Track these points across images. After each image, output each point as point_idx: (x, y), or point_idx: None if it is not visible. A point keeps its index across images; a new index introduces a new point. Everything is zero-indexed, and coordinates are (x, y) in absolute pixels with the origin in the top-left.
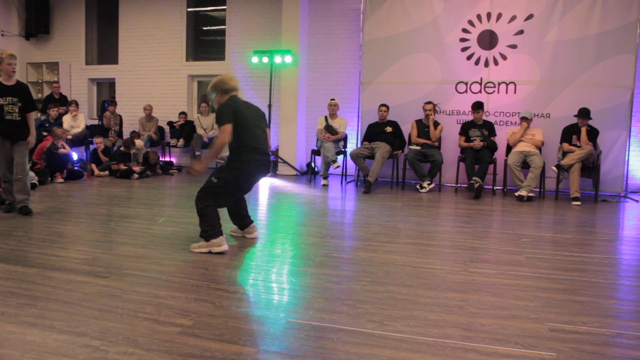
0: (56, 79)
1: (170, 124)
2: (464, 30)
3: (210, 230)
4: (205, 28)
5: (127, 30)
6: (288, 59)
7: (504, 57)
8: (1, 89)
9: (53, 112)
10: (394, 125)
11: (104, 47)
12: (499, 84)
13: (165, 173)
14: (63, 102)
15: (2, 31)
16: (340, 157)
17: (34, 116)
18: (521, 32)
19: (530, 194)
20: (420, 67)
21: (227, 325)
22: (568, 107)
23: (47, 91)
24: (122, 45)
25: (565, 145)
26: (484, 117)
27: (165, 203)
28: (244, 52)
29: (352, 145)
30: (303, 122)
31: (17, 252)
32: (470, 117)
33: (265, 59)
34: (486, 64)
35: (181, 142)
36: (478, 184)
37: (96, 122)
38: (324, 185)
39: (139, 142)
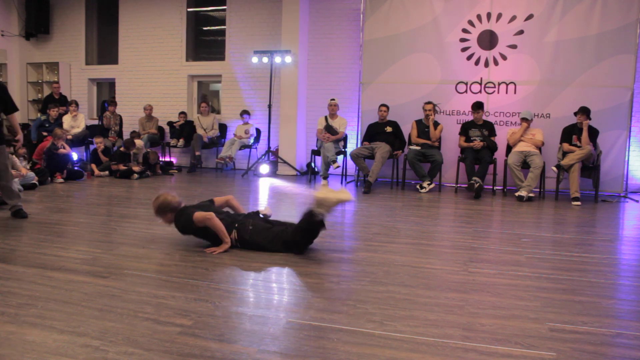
0: (56, 79)
1: (170, 124)
2: (464, 31)
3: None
4: (205, 28)
5: (127, 30)
6: (288, 59)
7: (504, 57)
8: None
9: (53, 112)
10: (394, 125)
11: (104, 47)
12: (499, 84)
13: (165, 173)
14: (63, 102)
15: (2, 31)
16: (340, 157)
17: (17, 117)
18: (521, 32)
19: (530, 194)
20: (420, 67)
21: (227, 325)
22: (568, 107)
23: (47, 91)
24: (122, 45)
25: (565, 146)
26: (484, 117)
27: None
28: (244, 52)
29: (352, 145)
30: (303, 122)
31: (17, 252)
32: (470, 117)
33: (265, 59)
34: (486, 64)
35: (181, 142)
36: (478, 184)
37: (96, 122)
38: (324, 185)
39: (139, 142)
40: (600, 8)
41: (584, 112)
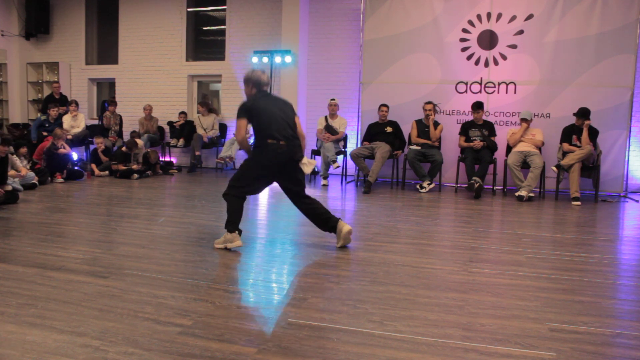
0: (56, 79)
1: (170, 123)
2: (464, 30)
3: (229, 221)
4: (205, 28)
5: (127, 30)
6: (288, 59)
7: (504, 57)
8: None
9: (53, 112)
10: (394, 125)
11: (104, 47)
12: (499, 84)
13: (165, 173)
14: (63, 102)
15: (2, 31)
16: (340, 157)
17: None
18: (521, 32)
19: (530, 194)
20: (420, 67)
21: (227, 325)
22: (568, 107)
23: (47, 91)
24: (122, 45)
25: (565, 145)
26: (484, 117)
27: (165, 203)
28: (244, 52)
29: (352, 145)
30: (303, 122)
31: (17, 252)
32: (470, 117)
33: (265, 59)
34: (486, 64)
35: (181, 142)
36: (478, 184)
37: (96, 122)
38: (324, 185)
39: (139, 142)
40: (600, 8)
41: (583, 115)
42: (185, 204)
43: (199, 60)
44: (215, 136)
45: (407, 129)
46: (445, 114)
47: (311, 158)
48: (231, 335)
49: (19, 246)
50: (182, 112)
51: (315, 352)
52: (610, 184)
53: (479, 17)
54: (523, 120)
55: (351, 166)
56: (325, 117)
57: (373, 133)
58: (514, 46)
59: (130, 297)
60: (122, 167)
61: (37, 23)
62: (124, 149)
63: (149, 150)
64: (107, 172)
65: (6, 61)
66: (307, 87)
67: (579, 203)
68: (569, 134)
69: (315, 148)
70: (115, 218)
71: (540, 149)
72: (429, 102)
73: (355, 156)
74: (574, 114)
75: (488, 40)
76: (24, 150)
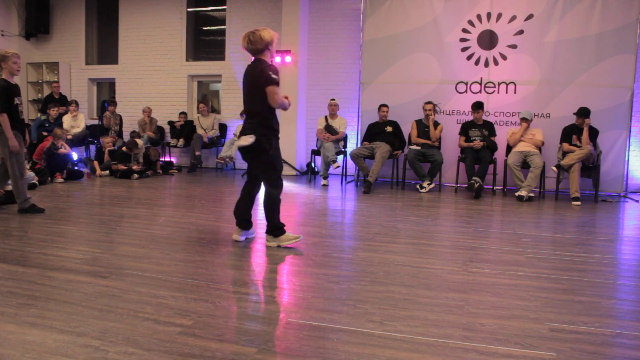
0: (56, 79)
1: (170, 123)
2: (464, 30)
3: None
4: (205, 28)
5: (127, 30)
6: (288, 59)
7: (504, 57)
8: (14, 89)
9: (53, 112)
10: (394, 125)
11: (104, 47)
12: (499, 84)
13: (165, 173)
14: (63, 102)
15: (2, 31)
16: (340, 157)
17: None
18: (521, 32)
19: (530, 194)
20: (420, 67)
21: (227, 325)
22: (568, 107)
23: (47, 91)
24: (122, 45)
25: (565, 145)
26: (484, 117)
27: (165, 203)
28: (244, 52)
29: (352, 145)
30: (303, 122)
31: (17, 252)
32: (470, 117)
33: None
34: (486, 64)
35: (181, 142)
36: (478, 184)
37: (96, 122)
38: (324, 185)
39: (139, 142)
40: (600, 8)
41: (583, 114)
42: (185, 204)
43: (199, 60)
44: (215, 136)
45: (407, 129)
46: (445, 114)
47: (311, 158)
48: (231, 335)
49: (19, 246)
50: (182, 112)
51: (315, 352)
52: (610, 184)
53: (479, 17)
54: (523, 120)
55: (351, 166)
56: (325, 117)
57: (373, 133)
58: (514, 46)
59: (130, 297)
60: (122, 167)
61: (37, 23)
62: (124, 148)
63: (149, 146)
64: (107, 172)
65: None
66: (307, 87)
67: (579, 203)
68: (569, 134)
69: (315, 148)
70: (115, 218)
71: (540, 149)
72: (429, 102)
73: (355, 156)
74: (574, 114)
75: (488, 40)
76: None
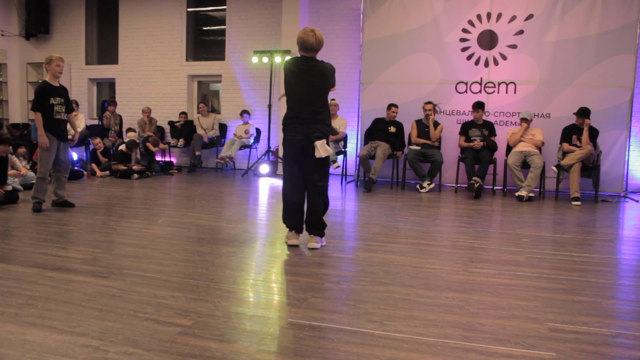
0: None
1: (171, 123)
2: (464, 30)
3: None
4: (205, 28)
5: (127, 30)
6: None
7: (504, 57)
8: (52, 90)
9: None
10: (398, 126)
11: (104, 47)
12: (499, 84)
13: (165, 173)
14: None
15: (2, 31)
16: (340, 157)
17: (73, 117)
18: (521, 32)
19: (530, 194)
20: (420, 67)
21: (227, 325)
22: (568, 107)
23: None
24: (122, 45)
25: (565, 145)
26: (484, 117)
27: (165, 203)
28: (244, 52)
29: (352, 145)
30: None
31: (17, 252)
32: (470, 117)
33: (265, 59)
34: (486, 64)
35: (181, 142)
36: (478, 184)
37: (96, 122)
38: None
39: (132, 134)
40: (600, 8)
41: (583, 114)
42: (185, 204)
43: (199, 60)
44: (215, 136)
45: (407, 129)
46: (445, 114)
47: None
48: (231, 335)
49: (19, 246)
50: (183, 112)
51: (315, 352)
52: (610, 184)
53: (479, 17)
54: (523, 120)
55: (351, 166)
56: None
57: (376, 128)
58: (514, 46)
59: (130, 297)
60: (122, 167)
61: (37, 23)
62: (123, 148)
63: (149, 135)
64: (107, 172)
65: (6, 61)
66: None
67: (579, 203)
68: (569, 134)
69: None
70: (115, 218)
71: (540, 149)
72: (429, 102)
73: (364, 158)
74: (574, 113)
75: (488, 40)
76: (22, 150)
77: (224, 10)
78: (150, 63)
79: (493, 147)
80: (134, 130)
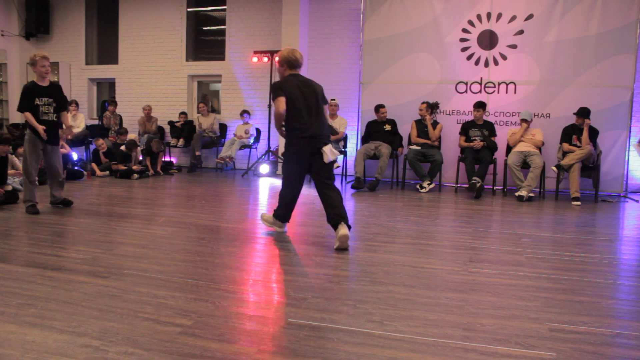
0: (56, 79)
1: (171, 123)
2: (464, 30)
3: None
4: (205, 28)
5: (127, 30)
6: None
7: (504, 57)
8: (38, 90)
9: None
10: (392, 123)
11: (104, 47)
12: (499, 84)
13: (165, 173)
14: None
15: (2, 31)
16: (340, 157)
17: (67, 115)
18: (521, 32)
19: (530, 194)
20: (420, 67)
21: (227, 325)
22: (568, 107)
23: None
24: (122, 45)
25: (565, 145)
26: (484, 117)
27: (165, 203)
28: (244, 52)
29: (352, 145)
30: None
31: (17, 252)
32: (470, 117)
33: (265, 59)
34: (486, 64)
35: (181, 142)
36: (479, 184)
37: (96, 122)
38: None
39: (132, 135)
40: (600, 8)
41: (583, 114)
42: (185, 204)
43: (199, 60)
44: (215, 136)
45: (407, 129)
46: (445, 114)
47: None
48: (231, 335)
49: (19, 246)
50: (183, 112)
51: (315, 352)
52: (610, 184)
53: (479, 17)
54: (523, 120)
55: (351, 166)
56: None
57: (372, 131)
58: (514, 46)
59: (130, 297)
60: (122, 167)
61: (37, 23)
62: (123, 148)
63: (153, 136)
64: (107, 172)
65: (6, 61)
66: None
67: (579, 203)
68: (569, 134)
69: None
70: (115, 218)
71: (540, 149)
72: (424, 103)
73: (362, 155)
74: (574, 113)
75: (488, 40)
76: (21, 150)
77: (224, 10)
78: (150, 63)
79: (493, 147)
80: (126, 132)
